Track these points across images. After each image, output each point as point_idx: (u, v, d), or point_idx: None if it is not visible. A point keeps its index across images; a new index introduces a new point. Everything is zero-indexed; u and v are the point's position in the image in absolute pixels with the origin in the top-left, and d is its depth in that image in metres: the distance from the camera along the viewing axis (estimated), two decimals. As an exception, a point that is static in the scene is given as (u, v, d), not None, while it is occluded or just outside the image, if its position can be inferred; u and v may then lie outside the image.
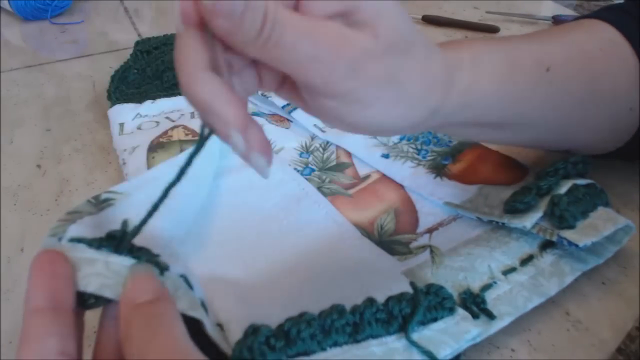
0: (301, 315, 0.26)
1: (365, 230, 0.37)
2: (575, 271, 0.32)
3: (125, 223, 0.27)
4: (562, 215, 0.32)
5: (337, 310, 0.27)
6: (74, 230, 0.26)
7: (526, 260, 0.33)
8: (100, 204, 0.30)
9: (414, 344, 0.27)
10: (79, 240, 0.25)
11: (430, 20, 0.72)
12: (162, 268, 0.25)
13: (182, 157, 0.37)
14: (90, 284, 0.24)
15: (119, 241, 0.26)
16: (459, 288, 0.31)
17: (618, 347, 0.30)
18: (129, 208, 0.30)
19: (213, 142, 0.41)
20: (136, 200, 0.31)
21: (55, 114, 0.54)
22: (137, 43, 0.61)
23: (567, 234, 0.32)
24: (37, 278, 0.23)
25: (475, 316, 0.29)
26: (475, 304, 0.30)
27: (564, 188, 0.34)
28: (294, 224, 0.38)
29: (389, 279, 0.32)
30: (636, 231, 0.34)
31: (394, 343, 0.27)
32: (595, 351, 0.30)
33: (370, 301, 0.28)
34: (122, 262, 0.24)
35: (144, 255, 0.26)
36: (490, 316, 0.29)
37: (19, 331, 0.22)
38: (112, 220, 0.28)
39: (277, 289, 0.32)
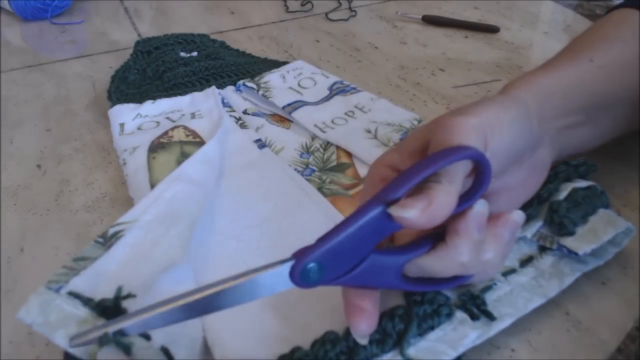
0: (293, 351, 0.27)
1: (366, 231, 0.37)
2: (575, 272, 0.32)
3: (119, 290, 0.28)
4: (561, 222, 0.32)
5: (330, 339, 0.27)
6: (75, 283, 0.28)
7: (526, 262, 0.33)
8: (109, 240, 0.31)
9: None
10: (76, 295, 0.27)
11: (430, 20, 0.72)
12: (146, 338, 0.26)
13: (179, 172, 0.37)
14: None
15: (111, 309, 0.27)
16: (458, 289, 0.31)
17: (618, 347, 0.30)
18: (135, 240, 0.32)
19: (214, 148, 0.42)
20: (144, 223, 0.33)
21: (55, 114, 0.54)
22: (137, 43, 0.61)
23: (567, 242, 0.32)
24: None
25: (475, 317, 0.29)
26: (475, 305, 0.30)
27: (563, 193, 0.34)
28: (294, 224, 0.37)
29: None
30: (636, 232, 0.34)
31: None
32: (595, 351, 0.30)
33: None
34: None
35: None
36: (491, 317, 0.29)
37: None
38: (113, 275, 0.29)
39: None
